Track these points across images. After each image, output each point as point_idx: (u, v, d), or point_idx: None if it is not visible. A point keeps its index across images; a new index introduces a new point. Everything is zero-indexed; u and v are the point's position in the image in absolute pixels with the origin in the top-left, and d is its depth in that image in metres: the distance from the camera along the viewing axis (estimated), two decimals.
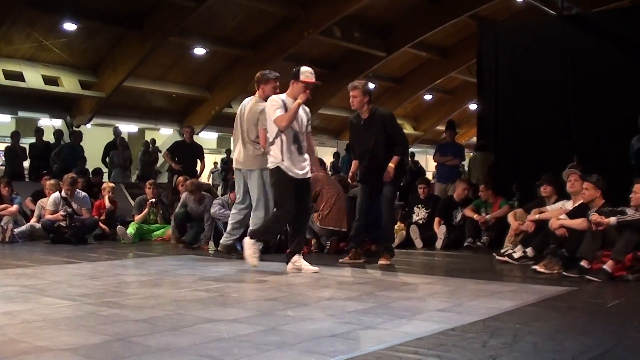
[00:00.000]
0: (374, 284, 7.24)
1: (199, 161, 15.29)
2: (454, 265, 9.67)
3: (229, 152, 28.00)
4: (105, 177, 18.71)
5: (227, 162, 27.16)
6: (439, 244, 11.55)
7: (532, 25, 15.43)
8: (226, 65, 26.65)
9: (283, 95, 8.42)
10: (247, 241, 8.24)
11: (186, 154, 15.20)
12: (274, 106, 8.26)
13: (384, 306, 5.79)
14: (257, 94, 9.73)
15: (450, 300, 6.14)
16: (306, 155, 8.46)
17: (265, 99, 8.94)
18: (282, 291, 6.66)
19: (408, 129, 36.62)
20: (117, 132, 20.97)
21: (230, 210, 10.76)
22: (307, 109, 8.71)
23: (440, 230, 11.69)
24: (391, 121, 9.36)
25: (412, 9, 25.83)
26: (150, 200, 12.80)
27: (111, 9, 20.97)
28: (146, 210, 12.76)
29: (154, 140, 24.63)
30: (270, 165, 8.29)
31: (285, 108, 8.20)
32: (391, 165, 8.86)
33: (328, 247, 10.51)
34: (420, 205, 12.48)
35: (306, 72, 8.46)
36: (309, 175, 8.48)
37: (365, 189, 9.35)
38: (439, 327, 4.93)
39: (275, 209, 8.54)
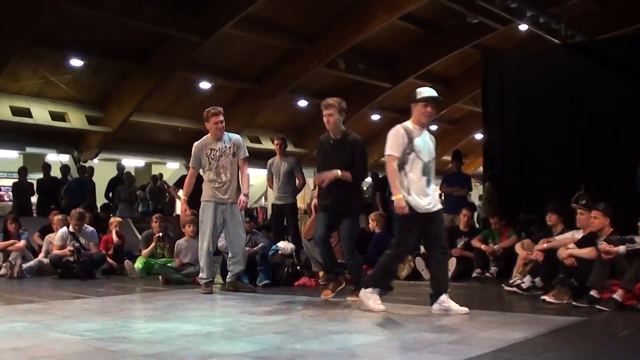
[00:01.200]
0: (382, 317, 7.21)
1: None
2: (462, 296, 9.60)
3: None
4: None
5: None
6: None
7: (536, 54, 15.47)
8: (232, 98, 26.73)
9: (408, 122, 7.89)
10: (364, 292, 7.59)
11: (193, 188, 15.19)
12: (394, 137, 7.70)
13: (393, 339, 5.77)
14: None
15: (459, 332, 6.11)
16: (433, 187, 7.72)
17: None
18: (290, 324, 6.63)
19: None
20: (120, 167, 21.00)
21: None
22: (433, 137, 8.09)
23: (450, 262, 11.64)
24: (362, 149, 8.83)
25: (416, 40, 25.95)
26: (157, 235, 12.78)
27: (117, 45, 21.10)
28: (153, 244, 12.74)
29: (161, 175, 24.67)
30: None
31: (408, 137, 7.65)
32: (338, 172, 8.24)
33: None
34: None
35: (422, 92, 7.89)
36: (438, 207, 7.66)
37: (324, 218, 8.58)
38: (449, 359, 4.90)
39: (391, 248, 7.76)
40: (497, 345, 5.41)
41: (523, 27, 21.83)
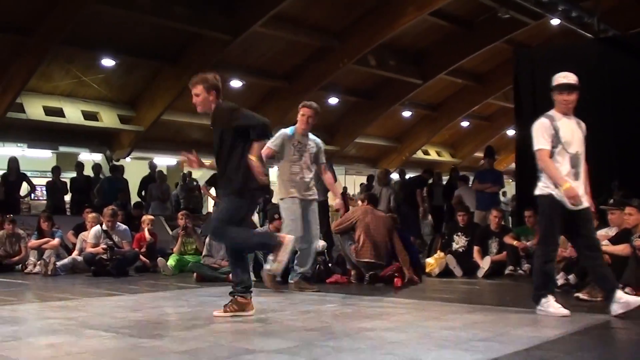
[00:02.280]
0: (415, 314, 7.20)
1: None
2: (495, 293, 9.60)
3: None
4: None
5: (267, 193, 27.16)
6: (480, 273, 11.47)
7: (568, 49, 15.34)
8: (262, 96, 26.78)
9: (552, 112, 7.39)
10: (539, 308, 7.03)
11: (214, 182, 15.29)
12: (539, 130, 7.27)
13: (425, 336, 5.74)
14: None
15: (492, 330, 6.07)
16: (581, 181, 7.24)
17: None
18: (322, 321, 6.63)
19: (446, 157, 36.50)
20: (152, 165, 21.11)
21: None
22: (582, 123, 7.50)
23: (484, 261, 11.60)
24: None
25: (447, 35, 25.83)
26: (181, 230, 12.89)
27: (148, 45, 21.22)
28: (180, 240, 12.82)
29: (190, 173, 24.77)
30: (538, 192, 7.25)
31: (554, 128, 7.19)
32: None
33: (368, 278, 10.44)
34: (460, 233, 12.43)
35: (558, 77, 7.51)
36: (585, 204, 7.12)
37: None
38: (482, 357, 4.88)
39: (538, 248, 7.44)
40: (530, 343, 5.38)
41: (555, 21, 21.69)
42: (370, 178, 23.11)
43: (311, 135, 9.68)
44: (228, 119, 7.09)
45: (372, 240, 10.31)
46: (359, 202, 11.20)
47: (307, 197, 9.47)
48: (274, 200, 9.58)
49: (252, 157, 6.91)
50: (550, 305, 6.93)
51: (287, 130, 9.48)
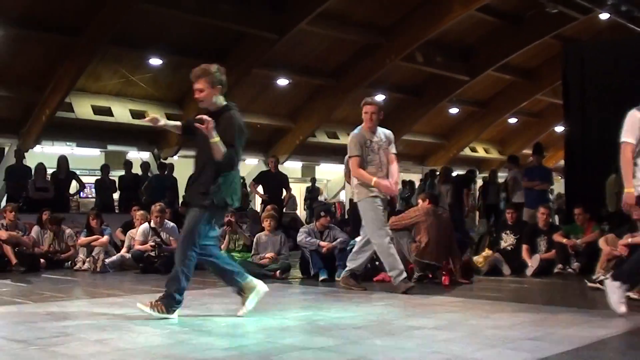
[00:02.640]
0: (463, 313, 7.14)
1: (284, 190, 15.39)
2: (544, 292, 9.50)
3: (313, 180, 28.12)
4: None
5: (312, 191, 27.23)
6: (529, 271, 11.35)
7: (618, 44, 15.14)
8: (309, 94, 26.84)
9: None
10: (611, 284, 6.73)
11: (272, 184, 15.35)
12: (630, 122, 7.09)
13: (473, 335, 5.70)
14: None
15: (541, 329, 6.01)
16: None
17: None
18: (369, 319, 6.61)
19: (494, 154, 36.26)
20: None
21: (316, 238, 10.82)
22: None
23: (534, 259, 11.48)
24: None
25: (494, 31, 25.67)
26: (226, 227, 12.97)
27: (195, 44, 21.36)
28: (227, 237, 12.88)
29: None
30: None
31: None
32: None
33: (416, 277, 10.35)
34: (508, 232, 12.31)
35: None
36: None
37: None
38: (530, 356, 4.82)
39: None
40: (580, 343, 5.30)
41: (604, 16, 21.43)
42: (429, 175, 22.91)
43: (379, 129, 9.22)
44: (230, 133, 6.61)
45: (435, 241, 10.18)
46: (420, 201, 11.07)
47: (383, 196, 8.99)
48: (355, 199, 9.16)
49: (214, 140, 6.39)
50: (618, 295, 6.63)
51: (356, 131, 9.14)
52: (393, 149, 9.21)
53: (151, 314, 6.46)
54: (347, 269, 9.40)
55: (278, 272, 10.99)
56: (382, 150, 9.04)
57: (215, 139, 6.35)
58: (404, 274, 8.82)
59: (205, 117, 6.38)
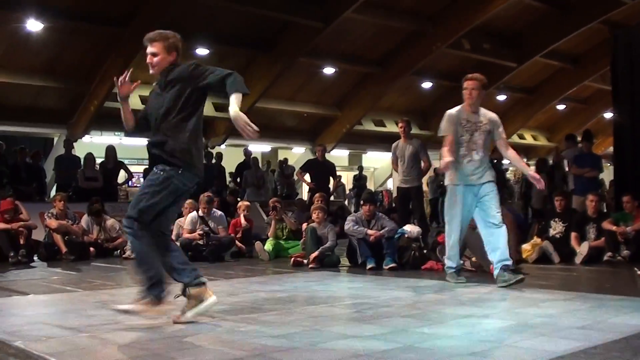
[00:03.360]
0: (512, 301, 7.10)
1: (331, 178, 15.41)
2: (593, 280, 9.40)
3: (361, 169, 28.12)
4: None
5: (359, 179, 27.23)
6: (578, 259, 11.24)
7: None
8: (355, 82, 26.82)
9: None
10: None
11: (319, 172, 15.37)
12: None
13: (522, 323, 5.66)
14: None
15: (590, 317, 5.95)
16: None
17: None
18: (417, 308, 6.60)
19: (542, 141, 35.96)
20: (247, 152, 21.30)
21: (363, 226, 10.80)
22: None
23: (582, 247, 11.36)
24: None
25: (542, 17, 25.41)
26: (272, 212, 13.03)
27: (241, 33, 21.44)
28: (273, 224, 12.94)
29: (286, 160, 24.96)
30: None
31: None
32: None
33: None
34: (557, 219, 12.20)
35: None
36: None
37: None
38: (580, 345, 4.78)
39: None
40: (630, 332, 5.24)
41: None
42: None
43: (483, 111, 8.57)
44: (190, 75, 5.98)
45: (515, 241, 10.11)
46: None
47: (472, 182, 8.33)
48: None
49: (236, 110, 5.79)
50: None
51: (453, 111, 8.52)
52: (502, 134, 8.57)
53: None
54: (450, 267, 8.65)
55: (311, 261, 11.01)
56: (480, 132, 8.37)
57: (237, 111, 5.78)
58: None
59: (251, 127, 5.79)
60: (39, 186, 17.95)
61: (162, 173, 5.84)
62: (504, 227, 8.26)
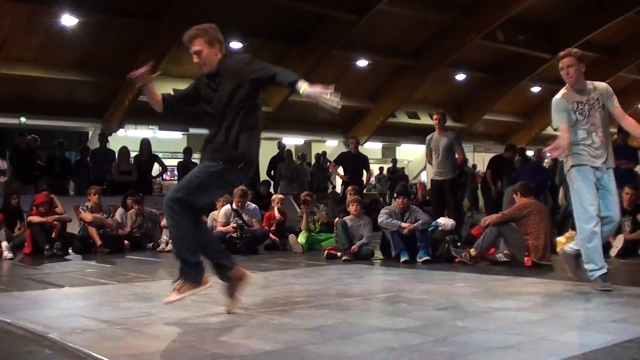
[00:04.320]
0: (546, 294, 7.05)
1: (364, 171, 15.39)
2: (629, 273, 9.31)
3: (394, 161, 28.06)
4: (271, 189, 19.06)
5: (393, 172, 27.19)
6: (613, 252, 11.14)
7: None
8: (389, 75, 26.75)
9: None
10: None
11: (352, 165, 15.35)
12: None
13: (556, 317, 5.62)
14: None
15: (626, 311, 5.89)
16: None
17: None
18: (451, 301, 6.57)
19: None
20: (281, 145, 21.33)
21: (397, 219, 10.78)
22: None
23: (618, 239, 11.24)
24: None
25: (577, 8, 25.20)
26: (303, 205, 13.05)
27: (275, 26, 21.47)
28: (305, 217, 12.96)
29: (325, 153, 24.96)
30: None
31: None
32: None
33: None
34: None
35: None
36: None
37: None
38: (614, 338, 4.74)
39: None
40: None
41: None
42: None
43: (589, 85, 7.54)
44: (245, 70, 5.84)
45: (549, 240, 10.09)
46: (516, 197, 10.76)
47: (597, 164, 7.34)
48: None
49: (305, 88, 5.60)
50: None
51: (558, 96, 7.56)
52: (615, 102, 7.47)
53: None
54: (589, 270, 7.29)
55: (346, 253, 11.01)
56: (596, 110, 7.38)
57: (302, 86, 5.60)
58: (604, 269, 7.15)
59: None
60: (82, 180, 17.96)
61: (219, 165, 5.80)
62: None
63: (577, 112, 7.38)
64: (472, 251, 10.10)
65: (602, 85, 7.56)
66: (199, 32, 5.93)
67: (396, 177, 26.84)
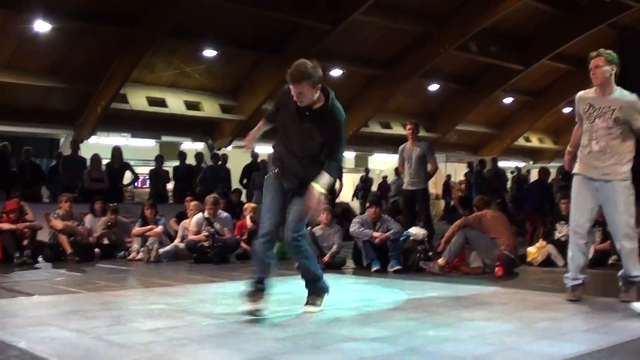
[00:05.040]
0: (516, 304, 7.08)
1: (337, 180, 15.37)
2: (598, 284, 9.36)
3: (367, 171, 28.12)
4: (243, 198, 19.01)
5: (365, 181, 27.23)
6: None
7: None
8: (363, 84, 26.80)
9: None
10: None
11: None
12: None
13: (526, 327, 5.65)
14: None
15: (594, 321, 5.94)
16: None
17: None
18: (422, 311, 6.59)
19: (548, 144, 35.91)
20: (254, 154, 21.28)
21: (369, 229, 10.80)
22: None
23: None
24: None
25: (550, 20, 25.40)
26: None
27: (249, 35, 21.47)
28: None
29: None
30: None
31: None
32: None
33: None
34: (562, 222, 12.17)
35: None
36: None
37: None
38: (584, 348, 4.77)
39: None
40: (634, 335, 5.23)
41: None
42: (477, 165, 22.97)
43: (617, 94, 7.16)
44: (331, 133, 6.34)
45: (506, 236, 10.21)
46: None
47: (593, 175, 7.09)
48: None
49: (320, 191, 6.17)
50: None
51: (581, 93, 7.43)
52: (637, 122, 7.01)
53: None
54: (624, 277, 7.08)
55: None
56: (605, 119, 7.02)
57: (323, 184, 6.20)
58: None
59: None
60: (56, 187, 17.81)
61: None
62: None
63: (585, 115, 7.23)
64: (441, 261, 10.16)
65: (628, 97, 7.12)
66: (305, 76, 6.16)
67: (368, 186, 26.91)
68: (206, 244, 12.31)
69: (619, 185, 6.95)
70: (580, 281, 7.15)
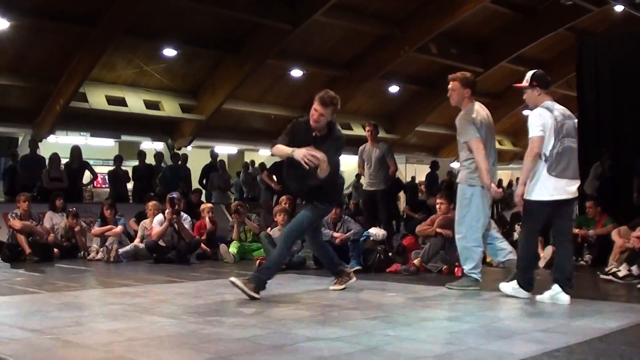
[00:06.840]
0: (476, 304, 7.14)
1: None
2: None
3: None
4: (203, 198, 18.94)
5: None
6: (541, 263, 11.31)
7: (632, 36, 15.06)
8: (323, 85, 26.53)
9: None
10: None
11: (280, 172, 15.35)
12: None
13: (485, 326, 5.70)
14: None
15: (553, 320, 6.01)
16: None
17: None
18: (382, 311, 6.61)
19: (507, 145, 36.19)
20: (213, 154, 21.21)
21: (329, 229, 10.82)
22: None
23: (546, 251, 11.41)
24: None
25: (509, 23, 25.63)
26: (233, 215, 13.04)
27: (209, 34, 21.42)
28: (235, 227, 12.93)
29: (252, 162, 24.89)
30: None
31: None
32: None
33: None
34: (521, 224, 12.27)
35: None
36: None
37: None
38: (542, 347, 4.82)
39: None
40: (592, 335, 5.30)
41: (618, 8, 21.30)
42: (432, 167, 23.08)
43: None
44: (338, 147, 7.77)
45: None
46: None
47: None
48: None
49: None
50: None
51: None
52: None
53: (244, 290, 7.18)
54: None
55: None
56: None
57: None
58: None
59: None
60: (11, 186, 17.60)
61: (320, 206, 7.71)
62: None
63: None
64: (417, 261, 10.20)
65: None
66: (333, 104, 7.49)
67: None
68: (176, 225, 12.22)
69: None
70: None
